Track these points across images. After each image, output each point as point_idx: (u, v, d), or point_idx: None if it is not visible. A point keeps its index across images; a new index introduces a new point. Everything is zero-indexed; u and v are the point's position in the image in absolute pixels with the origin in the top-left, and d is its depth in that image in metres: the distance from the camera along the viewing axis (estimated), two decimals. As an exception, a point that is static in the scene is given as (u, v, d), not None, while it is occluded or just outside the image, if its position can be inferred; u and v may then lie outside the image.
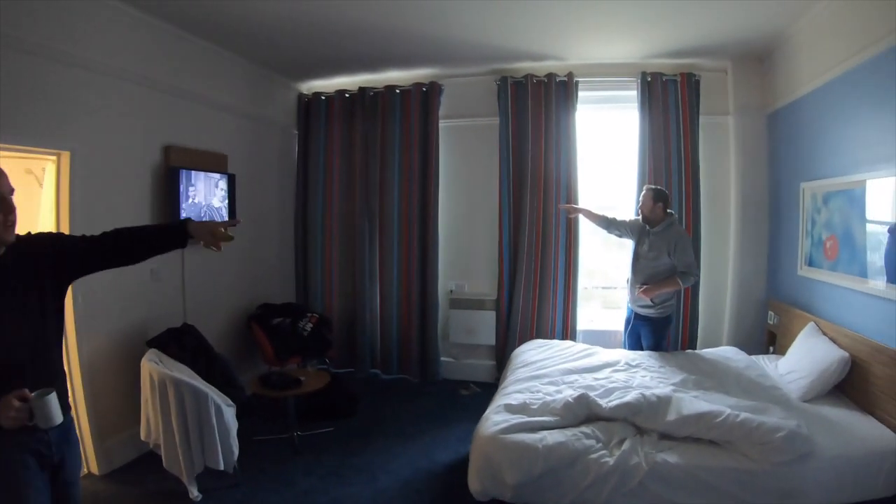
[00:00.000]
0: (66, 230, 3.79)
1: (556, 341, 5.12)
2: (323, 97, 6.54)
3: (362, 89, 6.35)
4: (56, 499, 2.11)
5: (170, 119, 4.77)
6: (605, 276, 6.52)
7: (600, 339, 5.44)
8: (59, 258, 2.11)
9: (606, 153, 6.20)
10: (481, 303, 6.11)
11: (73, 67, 3.85)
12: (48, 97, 3.70)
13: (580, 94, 5.77)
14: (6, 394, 1.83)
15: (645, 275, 4.57)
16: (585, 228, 5.83)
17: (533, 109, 5.81)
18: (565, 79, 5.72)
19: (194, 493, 3.72)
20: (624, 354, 4.55)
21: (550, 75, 5.75)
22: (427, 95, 6.12)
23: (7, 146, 3.47)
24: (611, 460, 3.09)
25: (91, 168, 4.04)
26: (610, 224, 4.89)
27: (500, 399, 3.81)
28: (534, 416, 3.44)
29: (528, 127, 5.81)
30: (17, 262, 1.99)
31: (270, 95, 6.29)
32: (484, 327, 6.09)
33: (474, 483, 3.27)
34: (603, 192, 6.18)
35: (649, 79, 5.55)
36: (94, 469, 4.10)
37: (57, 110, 3.78)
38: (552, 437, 3.23)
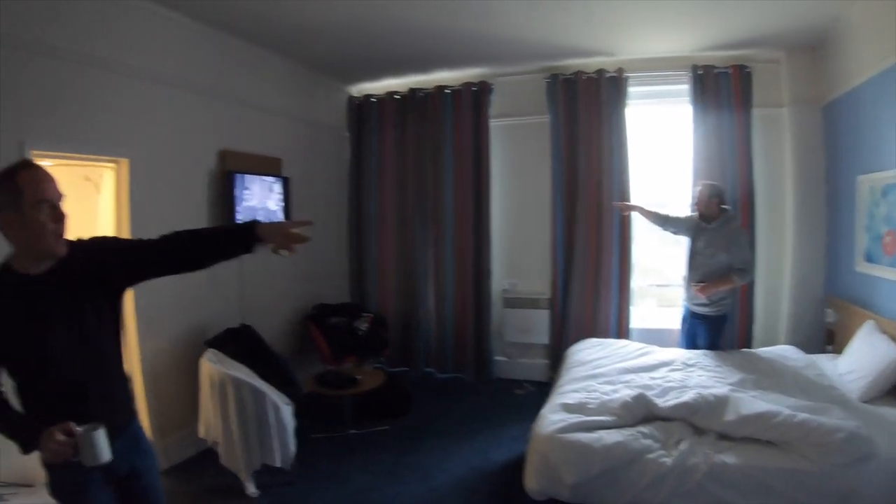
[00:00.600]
0: (125, 236, 3.88)
1: (611, 340, 5.07)
2: (373, 99, 6.63)
3: (412, 90, 6.41)
4: (138, 497, 2.14)
5: (224, 124, 4.91)
6: (659, 274, 6.42)
7: (655, 337, 5.32)
8: (115, 264, 1.99)
9: (659, 149, 6.09)
10: (535, 301, 6.08)
11: (130, 78, 4.00)
12: (107, 107, 3.85)
13: (631, 89, 5.68)
14: (66, 415, 1.78)
15: (701, 272, 4.45)
16: (640, 226, 5.74)
17: (583, 106, 5.75)
18: (615, 74, 5.64)
19: (251, 489, 3.81)
20: (680, 353, 4.46)
21: (600, 71, 5.68)
22: (477, 95, 6.13)
23: (70, 155, 3.64)
24: (669, 460, 3.04)
25: (149, 174, 4.18)
26: (665, 221, 4.80)
27: (557, 398, 3.79)
28: (591, 416, 3.41)
29: (579, 124, 5.76)
30: (70, 272, 1.90)
31: (322, 98, 6.39)
32: (538, 326, 6.07)
33: (531, 482, 3.26)
34: (656, 189, 6.06)
35: (700, 72, 5.42)
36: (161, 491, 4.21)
37: (115, 120, 3.92)
38: (610, 436, 3.19)
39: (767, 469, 2.93)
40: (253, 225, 2.03)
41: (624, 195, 5.63)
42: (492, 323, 6.22)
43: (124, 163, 4.03)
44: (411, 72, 6.20)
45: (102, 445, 1.79)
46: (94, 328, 1.95)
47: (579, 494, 3.14)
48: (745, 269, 4.35)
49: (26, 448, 1.81)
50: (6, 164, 1.87)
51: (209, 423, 3.99)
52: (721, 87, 5.40)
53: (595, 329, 5.75)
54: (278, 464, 3.84)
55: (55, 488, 1.96)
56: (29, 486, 3.16)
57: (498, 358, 6.32)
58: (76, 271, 1.91)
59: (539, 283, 6.14)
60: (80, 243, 1.96)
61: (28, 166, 1.84)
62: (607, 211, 5.66)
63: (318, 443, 4.61)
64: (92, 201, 4.10)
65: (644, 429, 3.26)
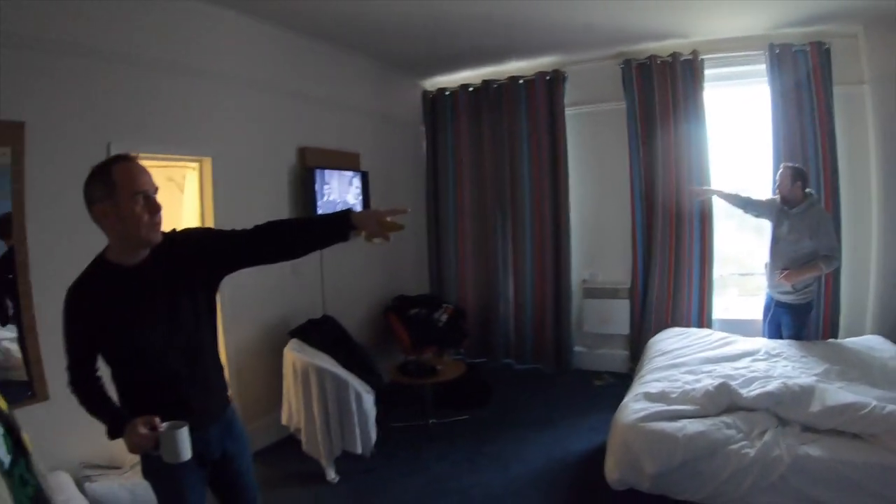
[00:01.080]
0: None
1: (693, 329, 4.94)
2: (447, 92, 6.71)
3: (486, 82, 6.43)
4: (227, 488, 2.26)
5: (303, 122, 5.10)
6: (741, 263, 6.20)
7: (737, 327, 5.13)
8: (210, 254, 2.03)
9: (738, 132, 5.87)
10: (615, 291, 6.01)
11: (210, 80, 4.22)
12: (189, 109, 4.08)
13: (706, 71, 5.49)
14: (161, 402, 1.90)
15: (785, 259, 4.28)
16: (720, 213, 5.59)
17: (659, 91, 5.62)
18: (690, 57, 5.47)
19: (332, 475, 3.96)
20: (764, 343, 4.30)
21: (675, 54, 5.52)
22: (551, 84, 6.10)
23: (154, 155, 3.84)
24: (752, 452, 2.97)
25: (231, 172, 4.39)
26: (746, 203, 4.64)
27: (639, 387, 3.74)
28: (673, 405, 3.35)
29: (656, 109, 5.64)
30: (165, 263, 1.95)
31: (396, 93, 6.51)
32: (618, 316, 5.99)
33: (612, 472, 3.25)
34: (736, 173, 5.86)
35: (777, 50, 5.16)
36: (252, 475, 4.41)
37: (197, 120, 4.15)
38: (692, 426, 3.13)
39: (854, 463, 2.82)
40: (347, 213, 2.02)
41: (703, 180, 5.47)
42: (571, 313, 6.19)
43: (207, 161, 4.25)
44: (484, 63, 6.21)
45: (184, 444, 1.82)
46: (190, 317, 2.01)
47: (660, 485, 3.10)
48: (831, 255, 4.17)
49: (112, 434, 1.90)
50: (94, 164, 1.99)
51: (292, 410, 4.16)
52: (799, 66, 5.15)
53: (675, 319, 5.62)
54: (359, 451, 3.96)
55: (148, 469, 2.06)
56: (116, 468, 3.37)
57: (577, 349, 6.29)
58: (171, 262, 1.96)
59: (619, 272, 6.06)
60: (174, 234, 2.02)
61: (124, 159, 1.91)
62: (686, 198, 5.51)
63: (399, 431, 4.72)
64: (176, 201, 4.34)
65: (727, 419, 3.19)
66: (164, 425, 1.81)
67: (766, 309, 4.60)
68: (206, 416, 2.02)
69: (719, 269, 5.80)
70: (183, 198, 4.41)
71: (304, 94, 5.08)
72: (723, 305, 5.82)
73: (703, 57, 5.45)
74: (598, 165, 6.18)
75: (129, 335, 1.90)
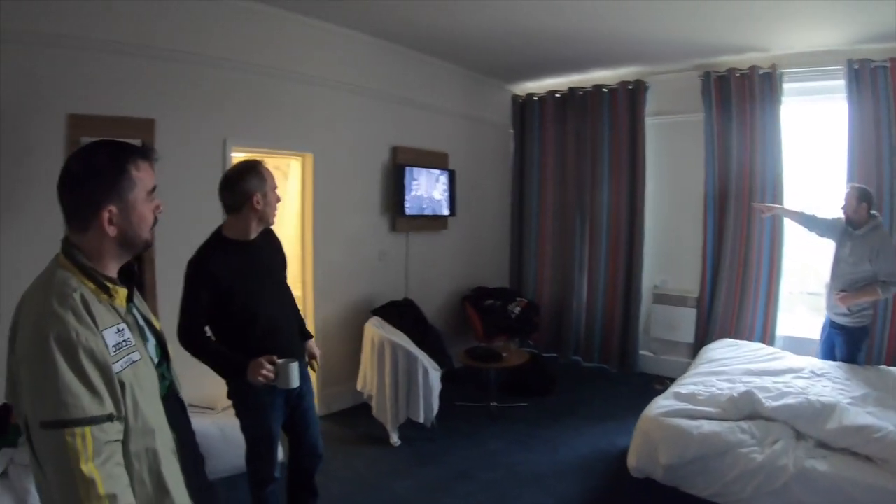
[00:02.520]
0: (309, 218, 4.87)
1: (745, 342, 5.03)
2: (535, 98, 6.98)
3: (572, 89, 6.65)
4: (298, 418, 2.89)
5: (397, 123, 5.62)
6: (813, 282, 6.01)
7: (800, 346, 5.13)
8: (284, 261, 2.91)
9: (813, 148, 5.75)
10: (683, 299, 6.08)
11: (314, 85, 4.85)
12: (295, 111, 4.72)
13: (784, 85, 5.48)
14: (266, 350, 2.47)
15: (844, 281, 4.27)
16: (793, 230, 5.45)
17: (737, 104, 5.66)
18: (769, 70, 5.45)
19: (395, 439, 4.48)
20: (810, 362, 4.35)
21: (753, 68, 5.52)
22: (633, 93, 6.23)
23: (262, 150, 4.53)
24: (759, 457, 3.15)
25: (330, 166, 4.98)
26: (810, 222, 4.62)
27: (674, 387, 4.01)
28: (698, 406, 3.58)
29: (733, 122, 5.69)
30: (267, 245, 2.74)
31: (486, 98, 6.88)
32: (684, 324, 6.06)
33: (632, 459, 3.57)
34: (809, 190, 5.72)
35: (856, 66, 5.03)
36: (316, 411, 5.00)
37: (302, 120, 4.78)
38: (709, 425, 3.37)
39: (856, 482, 2.93)
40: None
41: (776, 195, 5.46)
42: (640, 317, 6.34)
43: (309, 156, 4.87)
44: (570, 71, 6.44)
45: (295, 374, 2.46)
46: (284, 282, 2.84)
47: (671, 477, 3.37)
48: (890, 281, 4.09)
49: (232, 375, 2.54)
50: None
51: (366, 377, 4.70)
52: (878, 82, 5.00)
53: (739, 332, 5.63)
54: (421, 420, 4.43)
55: (242, 404, 2.73)
56: (210, 408, 4.07)
57: (643, 352, 6.43)
58: (271, 245, 2.79)
59: (688, 280, 6.13)
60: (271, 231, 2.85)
61: (263, 163, 2.64)
62: (757, 211, 5.43)
63: (462, 410, 5.14)
64: (281, 187, 4.97)
65: (744, 424, 3.38)
66: (280, 361, 2.44)
67: (823, 329, 4.59)
68: (297, 359, 2.66)
69: (790, 286, 5.76)
70: (287, 184, 5.05)
71: (400, 97, 5.58)
72: (791, 323, 5.76)
73: (782, 71, 5.43)
74: (674, 174, 6.28)
75: (247, 294, 2.56)
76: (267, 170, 2.62)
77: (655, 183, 6.30)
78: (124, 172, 1.42)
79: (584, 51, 5.63)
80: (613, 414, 5.13)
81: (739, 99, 5.65)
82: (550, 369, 5.89)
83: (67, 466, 1.22)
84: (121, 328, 1.40)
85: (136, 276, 1.57)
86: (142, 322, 1.56)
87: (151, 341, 1.57)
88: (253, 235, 2.63)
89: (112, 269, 1.46)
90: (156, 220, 1.51)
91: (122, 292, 1.47)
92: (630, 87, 6.26)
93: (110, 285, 1.43)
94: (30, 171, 3.29)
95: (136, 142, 3.61)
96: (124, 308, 1.47)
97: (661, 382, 5.86)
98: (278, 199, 2.68)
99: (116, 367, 1.33)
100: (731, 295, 5.75)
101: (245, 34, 4.30)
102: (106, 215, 1.39)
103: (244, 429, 2.78)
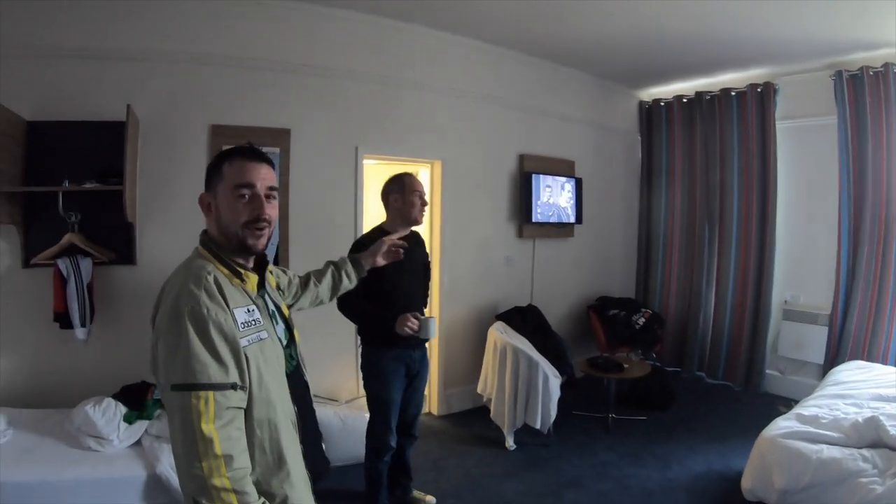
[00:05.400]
0: (437, 223, 5.07)
1: (878, 365, 4.68)
2: (662, 103, 6.84)
3: (699, 93, 6.45)
4: (409, 394, 3.42)
5: (524, 131, 5.71)
6: None
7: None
8: (426, 260, 3.59)
9: None
10: (814, 317, 5.70)
11: (443, 95, 5.06)
12: (424, 120, 4.96)
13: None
14: (406, 311, 3.09)
15: None
16: None
17: (871, 104, 5.21)
18: None
19: (510, 442, 4.57)
20: None
21: (887, 65, 5.07)
22: (762, 96, 5.94)
23: (396, 158, 4.88)
24: (880, 488, 2.94)
25: (458, 173, 5.17)
26: None
27: (797, 408, 3.84)
28: (820, 429, 3.41)
29: (868, 124, 5.24)
30: (415, 243, 3.33)
31: (612, 104, 6.80)
32: (814, 343, 5.68)
33: (746, 480, 3.47)
34: None
35: None
36: (435, 410, 5.25)
37: (431, 129, 4.99)
38: (829, 451, 3.21)
39: None
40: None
41: None
42: (767, 334, 6.00)
43: (437, 164, 5.07)
44: (697, 75, 6.27)
45: (433, 328, 3.12)
46: (423, 278, 3.50)
47: (786, 502, 3.22)
48: None
49: (384, 327, 3.09)
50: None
51: (487, 381, 4.82)
52: None
53: (871, 355, 5.21)
54: (537, 426, 4.46)
55: (365, 364, 3.36)
56: (334, 400, 4.37)
57: (770, 372, 6.09)
58: (418, 244, 3.45)
59: (821, 297, 5.75)
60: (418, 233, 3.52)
61: (409, 174, 3.31)
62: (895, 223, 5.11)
63: (579, 419, 5.14)
64: None
65: (867, 452, 3.18)
66: (423, 316, 3.10)
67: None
68: (417, 341, 3.26)
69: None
70: None
71: (525, 106, 5.66)
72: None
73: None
74: (806, 182, 5.91)
75: (397, 278, 3.17)
76: (410, 177, 3.29)
77: (787, 191, 5.95)
78: (217, 167, 1.63)
79: (711, 53, 5.43)
80: (732, 434, 4.92)
81: (874, 99, 5.20)
82: (671, 384, 5.74)
83: (190, 425, 1.38)
84: (251, 309, 1.59)
85: (266, 266, 1.77)
86: (272, 307, 1.74)
87: (280, 325, 1.76)
88: (404, 232, 3.21)
89: (239, 259, 1.66)
90: (259, 220, 1.60)
91: (253, 278, 1.68)
92: (759, 89, 5.97)
93: (242, 271, 1.65)
94: (178, 175, 3.87)
95: (273, 150, 4.03)
96: (255, 292, 1.67)
97: (786, 404, 5.45)
98: (424, 203, 3.30)
99: (243, 342, 1.51)
100: (865, 314, 5.33)
101: (374, 46, 4.59)
102: (205, 200, 1.64)
103: (369, 398, 3.35)
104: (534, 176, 5.60)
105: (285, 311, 1.87)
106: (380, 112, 4.66)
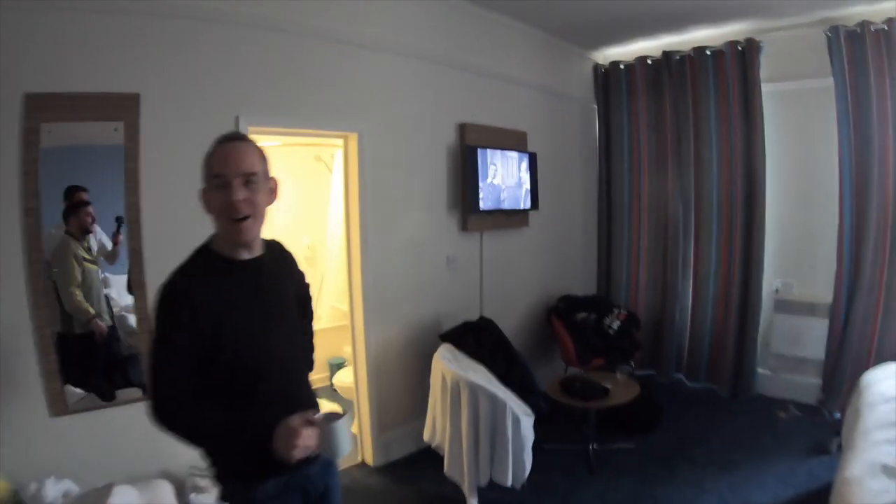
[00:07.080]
0: (355, 216, 4.04)
1: None
2: (622, 66, 6.01)
3: (667, 53, 5.63)
4: None
5: (463, 96, 4.71)
6: None
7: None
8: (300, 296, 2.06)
9: None
10: (812, 307, 5.04)
11: (357, 48, 3.91)
12: (334, 80, 3.80)
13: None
14: (286, 411, 1.60)
15: None
16: None
17: (874, 65, 4.55)
18: None
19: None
20: None
21: (890, 20, 4.42)
22: (744, 55, 5.17)
23: (288, 130, 3.78)
24: None
25: (380, 150, 4.10)
26: None
27: (868, 450, 2.78)
28: None
29: (871, 88, 4.54)
30: (280, 263, 1.92)
31: (565, 67, 5.89)
32: (812, 338, 5.05)
33: None
34: None
35: None
36: (369, 460, 4.23)
37: (341, 93, 3.85)
38: None
39: None
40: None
41: None
42: (758, 329, 5.30)
43: (352, 137, 3.97)
44: (665, 32, 5.45)
45: (345, 436, 1.65)
46: (297, 326, 1.95)
47: None
48: None
49: (252, 443, 1.58)
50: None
51: (436, 426, 3.77)
52: None
53: (881, 351, 4.62)
54: (509, 484, 3.43)
55: (231, 498, 1.77)
56: None
57: (761, 371, 5.39)
58: (284, 258, 1.98)
59: (819, 285, 5.12)
60: (278, 244, 1.97)
61: (222, 138, 1.72)
62: None
63: (553, 456, 4.23)
64: (324, 181, 4.11)
65: None
66: (318, 417, 1.64)
67: None
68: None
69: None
70: (331, 178, 4.13)
71: (464, 64, 4.67)
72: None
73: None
74: (800, 154, 5.22)
75: (251, 339, 1.67)
76: (219, 146, 1.65)
77: (776, 164, 5.20)
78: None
79: (680, 3, 4.66)
80: (739, 457, 4.18)
81: (877, 59, 4.54)
82: (658, 398, 4.95)
83: None
84: None
85: None
86: None
87: None
88: (252, 254, 1.74)
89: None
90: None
91: None
92: (740, 48, 5.18)
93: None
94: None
95: (113, 124, 2.83)
96: None
97: (783, 408, 5.02)
98: (272, 193, 1.73)
99: None
100: (872, 304, 4.68)
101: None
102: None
103: None
104: (479, 151, 4.57)
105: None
106: (271, 69, 3.42)
